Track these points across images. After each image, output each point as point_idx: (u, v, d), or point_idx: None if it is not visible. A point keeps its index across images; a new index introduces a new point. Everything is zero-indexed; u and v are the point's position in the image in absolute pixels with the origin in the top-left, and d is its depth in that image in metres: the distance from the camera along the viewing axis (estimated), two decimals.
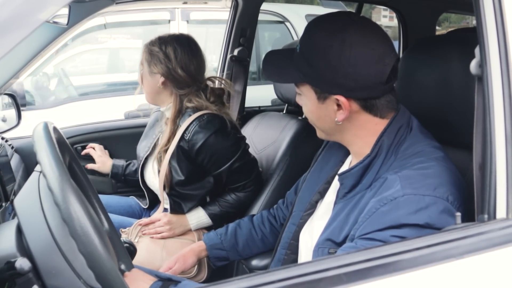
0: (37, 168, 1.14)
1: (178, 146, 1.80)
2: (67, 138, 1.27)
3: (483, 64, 0.95)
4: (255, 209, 1.91)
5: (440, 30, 4.70)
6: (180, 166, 1.81)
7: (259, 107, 2.75)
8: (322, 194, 1.27)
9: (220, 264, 1.61)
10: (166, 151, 1.83)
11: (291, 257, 1.33)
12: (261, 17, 2.51)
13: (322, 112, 1.13)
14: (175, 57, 1.80)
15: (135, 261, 1.33)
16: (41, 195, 1.08)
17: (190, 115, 1.79)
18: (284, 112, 2.33)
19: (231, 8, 2.43)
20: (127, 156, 2.28)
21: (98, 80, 4.95)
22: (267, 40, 5.01)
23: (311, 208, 1.29)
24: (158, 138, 1.95)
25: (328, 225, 1.15)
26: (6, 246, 1.04)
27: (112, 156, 2.31)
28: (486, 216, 0.93)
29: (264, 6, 2.53)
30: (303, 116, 2.05)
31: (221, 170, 1.82)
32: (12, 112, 2.01)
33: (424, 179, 1.02)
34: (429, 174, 1.02)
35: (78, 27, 1.66)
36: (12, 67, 1.48)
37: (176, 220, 1.87)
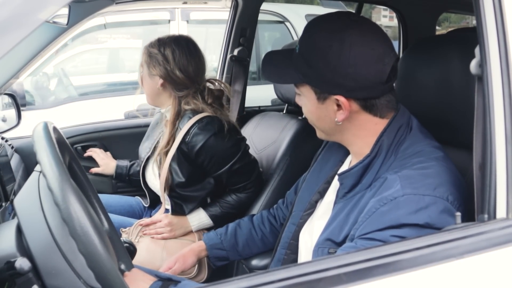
0: (37, 168, 1.14)
1: (178, 148, 1.80)
2: (67, 138, 1.27)
3: (483, 64, 0.95)
4: (255, 209, 1.91)
5: (440, 30, 4.70)
6: (181, 168, 1.81)
7: (259, 107, 2.75)
8: (322, 194, 1.27)
9: (220, 264, 1.61)
10: (166, 153, 1.83)
11: (291, 257, 1.33)
12: (261, 17, 2.51)
13: (322, 112, 1.13)
14: (173, 58, 1.79)
15: (135, 261, 1.33)
16: (41, 195, 1.08)
17: (189, 117, 1.79)
18: (284, 112, 2.33)
19: (231, 8, 2.43)
20: (127, 156, 2.28)
21: (98, 80, 4.95)
22: (267, 40, 5.01)
23: (311, 208, 1.29)
24: (159, 140, 1.95)
25: (328, 225, 1.15)
26: (6, 246, 1.04)
27: (112, 156, 2.31)
28: (486, 216, 0.93)
29: (264, 6, 2.53)
30: (303, 116, 2.05)
31: (221, 171, 1.82)
32: (12, 112, 2.01)
33: (424, 179, 1.01)
34: (429, 174, 1.02)
35: (78, 27, 1.66)
36: (12, 67, 1.48)
37: (177, 222, 1.87)
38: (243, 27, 2.40)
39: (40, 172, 1.09)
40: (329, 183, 1.27)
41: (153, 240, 1.86)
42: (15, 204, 1.14)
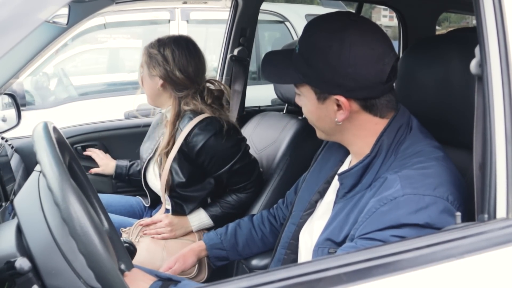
0: (37, 168, 1.14)
1: (179, 148, 1.80)
2: (67, 138, 1.27)
3: (483, 63, 0.95)
4: (255, 209, 1.91)
5: (440, 30, 4.70)
6: (181, 168, 1.81)
7: (259, 107, 2.75)
8: (322, 193, 1.27)
9: (220, 264, 1.61)
10: (166, 153, 1.83)
11: (291, 257, 1.33)
12: (261, 16, 2.51)
13: (322, 112, 1.13)
14: (173, 59, 1.80)
15: (135, 261, 1.33)
16: (41, 195, 1.08)
17: (190, 118, 1.79)
18: (284, 112, 2.33)
19: (231, 8, 2.42)
20: (127, 156, 2.28)
21: (98, 80, 4.95)
22: (267, 40, 5.01)
23: (311, 207, 1.29)
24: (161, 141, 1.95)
25: (328, 225, 1.15)
26: (6, 246, 1.04)
27: (112, 156, 2.31)
28: (486, 215, 0.93)
29: (264, 6, 2.53)
30: (303, 116, 2.05)
31: (221, 171, 1.82)
32: (12, 112, 2.01)
33: (424, 178, 1.01)
34: (429, 174, 1.02)
35: (78, 27, 1.65)
36: (12, 67, 1.48)
37: (178, 222, 1.87)
38: (243, 27, 2.40)
39: (40, 172, 1.09)
40: (329, 183, 1.27)
41: (153, 240, 1.86)
42: (15, 204, 1.14)
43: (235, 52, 2.41)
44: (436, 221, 0.97)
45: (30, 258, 1.01)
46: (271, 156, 2.04)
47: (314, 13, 4.21)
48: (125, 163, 2.21)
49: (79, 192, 1.04)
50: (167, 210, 1.93)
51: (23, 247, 1.04)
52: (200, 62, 1.85)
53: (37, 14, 0.79)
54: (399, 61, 1.15)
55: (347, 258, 0.86)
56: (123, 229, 1.88)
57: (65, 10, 1.57)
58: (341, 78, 1.07)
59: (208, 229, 1.89)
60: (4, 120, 2.08)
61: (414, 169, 1.04)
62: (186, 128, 1.77)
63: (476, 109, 0.97)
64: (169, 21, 4.43)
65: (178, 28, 4.35)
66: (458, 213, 0.94)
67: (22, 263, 0.95)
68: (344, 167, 1.24)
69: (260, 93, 3.21)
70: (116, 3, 1.83)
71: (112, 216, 1.89)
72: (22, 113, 2.03)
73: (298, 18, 4.62)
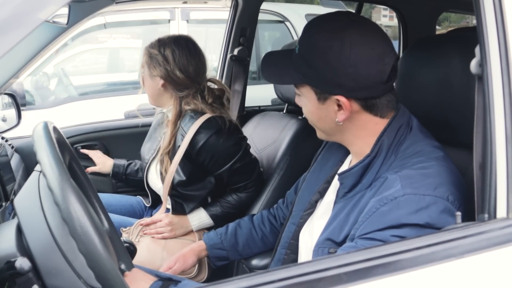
0: (37, 167, 1.14)
1: (179, 146, 1.80)
2: (67, 138, 1.27)
3: (483, 63, 0.95)
4: (256, 209, 1.91)
5: (440, 30, 4.70)
6: (182, 166, 1.81)
7: (259, 106, 2.75)
8: (322, 193, 1.27)
9: (220, 264, 1.61)
10: (168, 153, 1.83)
11: (291, 257, 1.33)
12: (261, 16, 2.51)
13: (323, 112, 1.13)
14: (173, 59, 1.80)
15: (135, 261, 1.33)
16: (41, 194, 1.08)
17: (191, 116, 1.79)
18: (284, 111, 2.33)
19: (231, 8, 2.42)
20: (127, 156, 2.28)
21: (98, 80, 4.95)
22: (267, 39, 5.01)
23: (311, 207, 1.29)
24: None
25: (328, 224, 1.14)
26: (6, 246, 1.04)
27: (112, 156, 2.31)
28: (486, 215, 0.93)
29: (264, 5, 2.53)
30: (303, 116, 2.05)
31: (222, 170, 1.82)
32: (12, 111, 2.01)
33: (424, 178, 1.01)
34: (429, 174, 1.02)
35: (78, 27, 1.65)
36: (12, 66, 1.48)
37: (178, 221, 1.87)
38: (243, 27, 2.40)
39: (40, 172, 1.09)
40: (329, 182, 1.27)
41: (153, 240, 1.86)
42: (15, 204, 1.14)
43: (235, 52, 2.41)
44: (436, 221, 0.97)
45: (30, 258, 1.01)
46: (271, 156, 2.04)
47: (314, 13, 4.21)
48: (122, 162, 2.21)
49: (79, 192, 1.04)
50: (167, 210, 1.93)
51: (23, 247, 1.04)
52: (200, 62, 1.85)
53: (37, 13, 0.79)
54: (399, 61, 1.15)
55: (347, 258, 0.86)
56: (123, 229, 1.88)
57: (65, 10, 1.57)
58: (342, 78, 1.07)
59: (208, 229, 1.89)
60: (4, 120, 2.08)
61: (414, 169, 1.04)
62: (191, 130, 1.77)
63: (476, 108, 0.97)
64: (169, 21, 4.43)
65: (178, 28, 4.35)
66: (458, 213, 0.94)
67: (22, 263, 0.95)
68: (344, 167, 1.24)
69: (260, 93, 3.21)
70: (116, 3, 1.83)
71: (112, 216, 1.89)
72: (22, 113, 2.03)
73: (298, 18, 4.61)
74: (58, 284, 1.02)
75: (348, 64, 1.05)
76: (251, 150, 1.95)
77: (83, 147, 2.35)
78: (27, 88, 4.06)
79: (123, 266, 1.25)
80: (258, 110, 2.59)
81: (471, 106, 0.98)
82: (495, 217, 0.92)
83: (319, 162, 1.36)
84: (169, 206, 1.90)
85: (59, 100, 4.25)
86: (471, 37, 1.02)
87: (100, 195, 1.89)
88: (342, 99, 1.08)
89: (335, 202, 1.18)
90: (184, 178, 1.81)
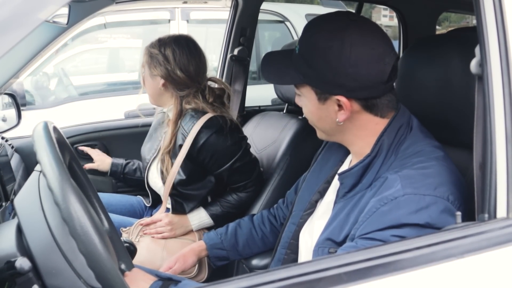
0: (37, 167, 1.14)
1: (179, 145, 1.80)
2: (67, 138, 1.27)
3: (483, 63, 0.95)
4: (256, 209, 1.91)
5: (440, 30, 4.70)
6: (182, 165, 1.82)
7: (259, 106, 2.75)
8: (322, 193, 1.27)
9: (220, 264, 1.61)
10: (168, 152, 1.83)
11: (291, 257, 1.33)
12: (261, 16, 2.51)
13: (323, 112, 1.13)
14: (174, 58, 1.80)
15: (135, 261, 1.33)
16: (41, 194, 1.08)
17: (192, 115, 1.80)
18: (284, 111, 2.33)
19: (231, 8, 2.42)
20: (127, 156, 2.28)
21: (98, 80, 4.95)
22: (267, 39, 5.01)
23: (311, 207, 1.29)
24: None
25: (328, 224, 1.14)
26: (6, 246, 1.04)
27: (112, 156, 2.31)
28: (486, 215, 0.93)
29: (264, 5, 2.53)
30: (303, 116, 2.05)
31: (222, 169, 1.82)
32: (12, 111, 2.01)
33: (425, 178, 1.01)
34: (429, 174, 1.02)
35: (78, 27, 1.65)
36: (12, 66, 1.48)
37: (178, 221, 1.87)
38: (243, 27, 2.40)
39: (40, 171, 1.09)
40: (329, 182, 1.27)
41: (153, 240, 1.86)
42: (15, 204, 1.14)
43: (235, 52, 2.41)
44: (436, 221, 0.97)
45: (30, 257, 1.01)
46: (271, 156, 2.04)
47: (314, 13, 4.21)
48: (120, 161, 2.22)
49: (79, 191, 1.04)
50: (167, 210, 1.93)
51: (23, 247, 1.04)
52: (201, 61, 1.85)
53: (37, 13, 0.79)
54: (399, 61, 1.15)
55: (347, 258, 0.86)
56: (123, 229, 1.88)
57: (65, 10, 1.57)
58: (342, 78, 1.07)
59: (208, 229, 1.89)
60: (4, 120, 2.08)
61: (414, 169, 1.04)
62: (193, 129, 1.77)
63: (476, 108, 0.97)
64: (169, 21, 4.43)
65: (178, 28, 4.35)
66: (459, 213, 0.94)
67: (23, 263, 0.95)
68: (344, 166, 1.24)
69: (260, 93, 3.21)
70: (116, 3, 1.83)
71: (112, 216, 1.89)
72: (22, 113, 2.03)
73: (298, 18, 4.61)
74: (58, 284, 1.02)
75: (349, 64, 1.05)
76: (251, 150, 1.95)
77: (81, 150, 2.35)
78: (27, 88, 4.06)
79: (123, 266, 1.25)
80: (258, 110, 2.59)
81: (471, 106, 0.98)
82: (495, 217, 0.92)
83: (319, 162, 1.36)
84: (169, 206, 1.90)
85: (59, 100, 4.25)
86: (471, 37, 1.02)
87: (101, 194, 1.89)
88: (343, 99, 1.08)
89: (335, 202, 1.18)
90: (184, 177, 1.82)
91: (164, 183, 1.87)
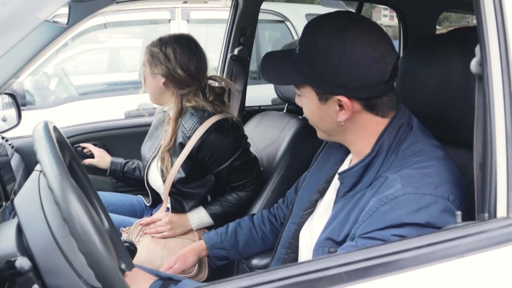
0: (37, 167, 1.14)
1: (180, 143, 1.81)
2: (67, 138, 1.27)
3: (483, 63, 0.95)
4: (256, 208, 1.91)
5: (440, 30, 4.70)
6: (182, 163, 1.82)
7: (260, 106, 2.75)
8: (322, 193, 1.27)
9: (220, 264, 1.61)
10: (169, 150, 1.84)
11: (291, 256, 1.33)
12: (261, 16, 2.51)
13: (324, 113, 1.13)
14: (175, 57, 1.81)
15: (135, 261, 1.33)
16: (41, 194, 1.08)
17: (192, 114, 1.80)
18: (285, 111, 2.33)
19: (231, 8, 2.43)
20: (127, 156, 2.28)
21: (98, 80, 4.95)
22: (267, 39, 5.01)
23: (311, 207, 1.29)
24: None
25: (328, 224, 1.14)
26: (6, 245, 1.04)
27: (112, 155, 2.31)
28: (486, 215, 0.93)
29: (264, 5, 2.53)
30: (303, 115, 2.05)
31: (221, 168, 1.82)
32: (12, 111, 2.01)
33: (425, 178, 1.01)
34: (430, 173, 1.02)
35: (78, 27, 1.65)
36: (12, 66, 1.48)
37: (177, 220, 1.88)
38: (243, 27, 2.40)
39: (40, 171, 1.09)
40: (329, 182, 1.27)
41: (153, 240, 1.86)
42: (15, 204, 1.14)
43: (236, 51, 2.42)
44: (436, 220, 0.97)
45: (31, 257, 1.01)
46: (272, 156, 2.05)
47: (314, 13, 4.21)
48: (120, 160, 2.23)
49: (79, 191, 1.04)
50: (168, 209, 1.93)
51: (23, 247, 1.04)
52: (201, 60, 1.86)
53: (37, 13, 0.79)
54: (399, 61, 1.15)
55: (348, 257, 0.86)
56: (123, 229, 1.89)
57: (65, 10, 1.57)
58: (343, 78, 1.06)
59: (208, 228, 1.89)
60: (4, 120, 2.08)
61: (414, 168, 1.04)
62: (198, 131, 1.77)
63: (477, 108, 0.97)
64: (169, 20, 4.43)
65: (178, 28, 4.35)
66: (459, 212, 0.94)
67: (23, 262, 0.95)
68: (344, 166, 1.24)
69: (261, 93, 3.21)
70: (116, 2, 1.83)
71: (112, 216, 1.89)
72: (23, 112, 2.03)
73: (298, 18, 4.61)
74: (58, 284, 1.02)
75: (350, 64, 1.05)
76: (251, 150, 1.95)
77: (83, 148, 2.35)
78: (27, 88, 4.06)
79: (123, 266, 1.25)
80: (258, 110, 2.59)
81: (471, 106, 0.98)
82: (495, 216, 0.92)
83: (319, 162, 1.36)
84: (169, 205, 1.90)
85: (59, 100, 4.25)
86: (471, 37, 1.02)
87: (101, 194, 1.89)
88: (344, 99, 1.08)
89: (335, 202, 1.18)
90: (184, 175, 1.82)
91: (164, 181, 1.87)
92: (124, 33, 5.10)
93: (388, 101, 1.11)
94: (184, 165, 1.82)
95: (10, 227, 1.09)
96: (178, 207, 1.88)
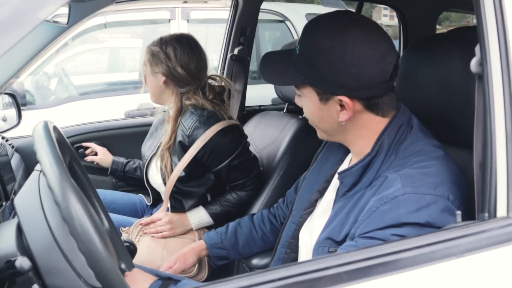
0: (37, 167, 1.14)
1: (179, 142, 1.81)
2: (67, 138, 1.27)
3: (483, 62, 0.95)
4: (256, 208, 1.91)
5: (440, 29, 4.70)
6: (181, 161, 1.82)
7: (260, 106, 2.75)
8: (322, 192, 1.27)
9: (220, 263, 1.61)
10: (168, 148, 1.84)
11: (291, 256, 1.33)
12: (261, 16, 2.51)
13: (325, 113, 1.13)
14: (175, 56, 1.82)
15: (135, 260, 1.33)
16: (41, 194, 1.08)
17: (191, 112, 1.81)
18: (285, 111, 2.33)
19: (231, 7, 2.43)
20: (127, 155, 2.29)
21: (99, 80, 4.95)
22: (267, 39, 5.01)
23: (311, 206, 1.29)
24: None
25: (328, 223, 1.14)
26: (6, 245, 1.04)
27: (112, 155, 2.31)
28: (486, 214, 0.93)
29: (264, 5, 2.53)
30: (303, 115, 2.05)
31: (220, 166, 1.82)
32: (13, 111, 2.01)
33: (425, 177, 1.01)
34: (430, 173, 1.02)
35: (78, 27, 1.65)
36: (12, 66, 1.48)
37: (177, 220, 1.88)
38: (243, 26, 2.40)
39: (40, 171, 1.09)
40: (329, 181, 1.26)
41: (153, 239, 1.86)
42: (15, 203, 1.14)
43: (236, 51, 2.42)
44: (436, 220, 0.97)
45: (30, 257, 1.01)
46: (272, 155, 2.05)
47: (314, 13, 4.21)
48: (121, 160, 2.24)
49: (79, 191, 1.04)
50: (167, 209, 1.93)
51: (23, 246, 1.04)
52: (201, 59, 1.87)
53: (37, 13, 0.79)
54: (400, 60, 1.15)
55: (347, 257, 0.86)
56: (123, 229, 1.89)
57: (65, 10, 1.57)
58: (345, 78, 1.06)
59: (208, 228, 1.89)
60: (4, 120, 2.08)
61: (414, 168, 1.04)
62: (205, 135, 1.78)
63: (477, 108, 0.97)
64: (169, 20, 4.43)
65: (178, 28, 4.35)
66: (459, 212, 0.94)
67: (23, 262, 0.95)
68: (344, 166, 1.24)
69: (261, 93, 3.21)
70: (117, 2, 1.84)
71: (112, 215, 1.89)
72: (23, 112, 2.03)
73: (298, 18, 4.61)
74: (58, 284, 1.02)
75: (351, 64, 1.05)
76: (251, 150, 1.96)
77: (83, 147, 2.35)
78: (27, 88, 4.06)
79: (123, 266, 1.25)
80: (258, 110, 2.59)
81: (471, 105, 0.98)
82: (495, 216, 0.92)
83: (319, 161, 1.36)
84: (169, 205, 1.90)
85: (60, 100, 4.25)
86: (471, 36, 1.02)
87: (102, 192, 1.89)
88: (345, 99, 1.08)
89: (335, 201, 1.18)
90: (183, 174, 1.82)
91: (163, 179, 1.87)
92: (124, 33, 5.10)
93: (389, 101, 1.11)
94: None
95: (10, 227, 1.09)
96: (177, 206, 1.88)
